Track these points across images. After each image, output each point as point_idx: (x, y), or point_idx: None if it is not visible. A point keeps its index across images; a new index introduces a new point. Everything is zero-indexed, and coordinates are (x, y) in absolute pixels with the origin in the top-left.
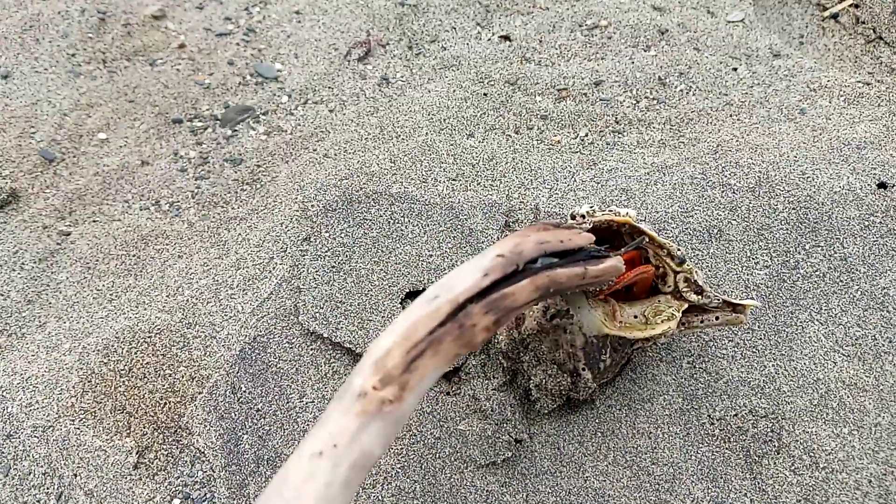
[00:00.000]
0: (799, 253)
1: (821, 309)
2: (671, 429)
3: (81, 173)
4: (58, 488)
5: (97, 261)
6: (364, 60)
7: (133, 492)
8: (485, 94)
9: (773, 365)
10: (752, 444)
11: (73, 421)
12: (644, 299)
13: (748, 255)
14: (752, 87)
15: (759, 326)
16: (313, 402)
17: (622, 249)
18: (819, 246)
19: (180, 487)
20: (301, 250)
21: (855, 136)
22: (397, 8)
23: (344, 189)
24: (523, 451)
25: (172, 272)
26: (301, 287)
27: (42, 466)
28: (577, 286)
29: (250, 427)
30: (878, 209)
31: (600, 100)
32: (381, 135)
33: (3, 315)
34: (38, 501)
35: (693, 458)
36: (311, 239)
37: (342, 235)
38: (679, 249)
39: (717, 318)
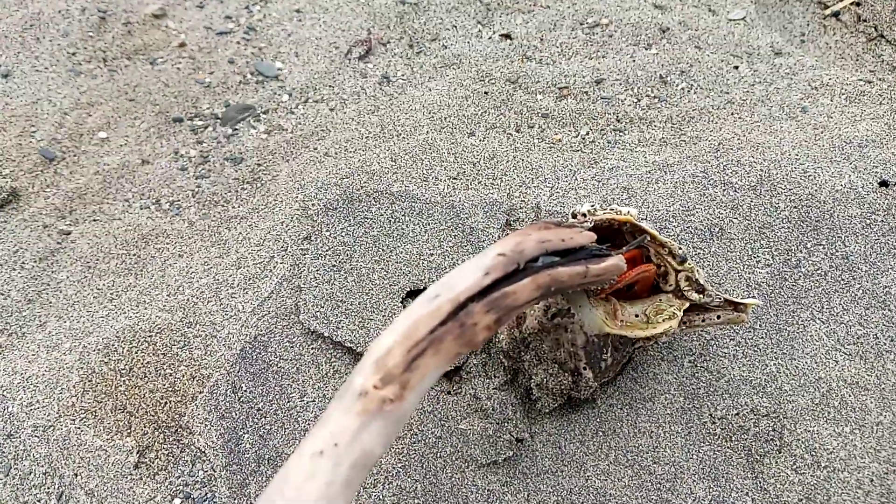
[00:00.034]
0: (800, 251)
1: (822, 307)
2: (672, 428)
3: (82, 172)
4: (58, 488)
5: (97, 260)
6: (365, 59)
7: (134, 491)
8: (486, 93)
9: (774, 364)
10: (753, 443)
11: (73, 420)
12: (645, 298)
13: (749, 253)
14: (753, 85)
15: (760, 325)
16: (314, 401)
17: (624, 248)
18: (820, 244)
19: (181, 487)
20: (302, 249)
21: (856, 135)
22: (398, 6)
23: (345, 188)
24: (524, 451)
25: (173, 271)
26: (302, 286)
27: (43, 466)
28: (578, 285)
29: (251, 426)
30: (879, 207)
31: (601, 98)
32: (382, 133)
33: (4, 314)
34: (39, 501)
35: (694, 457)
36: (312, 238)
37: (343, 234)
38: (680, 248)
39: (718, 317)
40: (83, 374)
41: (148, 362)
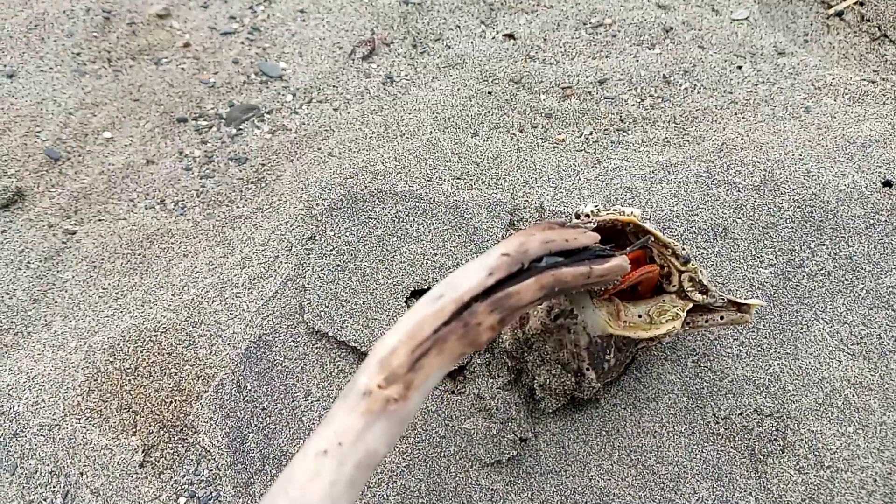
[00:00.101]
0: (804, 251)
1: (826, 307)
2: (676, 428)
3: (87, 172)
4: (64, 487)
5: (103, 259)
6: (368, 59)
7: (139, 490)
8: (489, 93)
9: (778, 364)
10: (757, 443)
11: (79, 419)
12: (649, 299)
13: (753, 253)
14: (756, 85)
15: (764, 325)
16: (318, 400)
17: (627, 249)
18: (824, 244)
19: (186, 486)
20: (306, 249)
21: (860, 135)
22: (401, 6)
23: (349, 188)
24: (528, 450)
25: (178, 271)
26: (306, 286)
27: (48, 465)
28: (582, 285)
29: (256, 426)
30: (883, 207)
31: (605, 98)
32: (386, 133)
33: (10, 314)
34: (45, 500)
35: (698, 456)
36: (316, 238)
37: (347, 234)
38: (684, 249)
39: (721, 318)
40: (89, 373)
41: (153, 361)
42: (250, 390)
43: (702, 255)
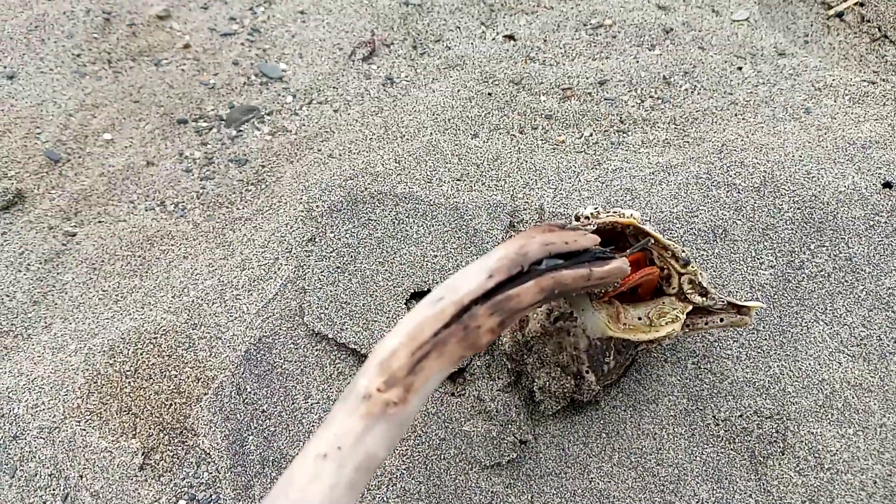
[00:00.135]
0: (804, 253)
1: (826, 309)
2: (676, 430)
3: (87, 174)
4: (64, 489)
5: (103, 261)
6: (368, 60)
7: (139, 493)
8: (489, 94)
9: (777, 365)
10: (756, 445)
11: (78, 422)
12: (648, 301)
13: (753, 255)
14: (756, 86)
15: (764, 327)
16: (318, 402)
17: (627, 251)
18: (824, 246)
19: (186, 489)
20: (306, 251)
21: (860, 136)
22: (401, 7)
23: (349, 189)
24: (528, 452)
25: (178, 273)
26: (306, 288)
27: (48, 468)
28: (582, 288)
29: (256, 428)
30: (883, 209)
31: (605, 99)
32: (386, 135)
33: (9, 316)
34: (45, 503)
35: (698, 458)
36: (316, 239)
37: (347, 236)
38: (683, 251)
39: (721, 320)
40: (88, 375)
41: (153, 364)
42: (250, 392)
43: (702, 256)
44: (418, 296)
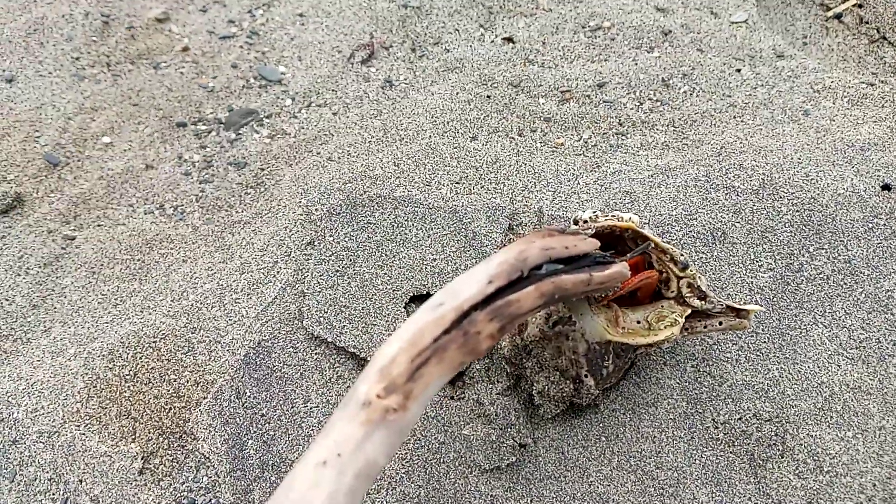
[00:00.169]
0: (803, 255)
1: (825, 312)
2: (675, 433)
3: (86, 177)
4: (63, 494)
5: (102, 265)
6: (367, 63)
7: (138, 497)
8: (488, 97)
9: (777, 368)
10: (756, 448)
11: (78, 426)
12: (647, 304)
13: (752, 257)
14: (755, 88)
15: (763, 329)
16: (318, 406)
17: (627, 255)
18: (823, 248)
19: (185, 493)
20: (305, 254)
21: (859, 138)
22: (400, 10)
23: (348, 193)
24: (527, 456)
25: (177, 276)
26: (305, 291)
27: (48, 472)
28: (582, 292)
29: (255, 432)
30: (881, 211)
31: (604, 102)
32: (385, 138)
33: (9, 320)
34: None
35: (697, 462)
36: (315, 243)
37: (346, 239)
38: (682, 255)
39: (720, 324)
40: (88, 379)
41: (152, 368)
42: (249, 396)
43: (700, 259)
44: (418, 299)
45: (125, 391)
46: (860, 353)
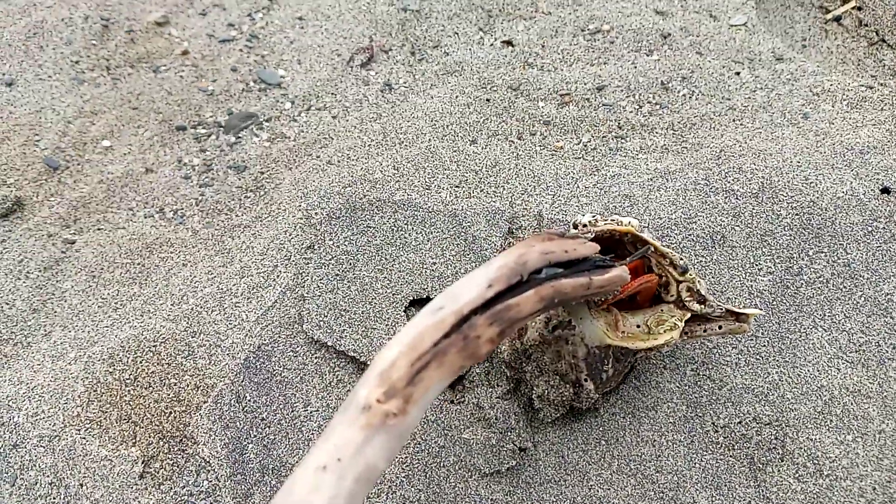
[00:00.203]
0: (802, 259)
1: (824, 315)
2: (675, 436)
3: (86, 181)
4: (64, 498)
5: (102, 269)
6: (367, 66)
7: (139, 501)
8: (487, 100)
9: (776, 372)
10: (756, 452)
11: (78, 430)
12: (647, 308)
13: (751, 261)
14: (754, 91)
15: (762, 333)
16: (318, 410)
17: (627, 259)
18: (822, 252)
19: (186, 497)
20: (305, 258)
21: (858, 141)
22: (400, 13)
23: (347, 196)
24: (527, 460)
25: (177, 280)
26: (305, 295)
27: (48, 476)
28: (581, 296)
29: (255, 436)
30: (881, 214)
31: (603, 105)
32: (385, 141)
33: (9, 324)
34: None
35: (697, 465)
36: (315, 247)
37: (346, 243)
38: (681, 259)
39: (719, 328)
40: (88, 383)
41: (152, 372)
42: (250, 401)
43: (700, 262)
44: (417, 303)
45: (125, 395)
46: (860, 356)
